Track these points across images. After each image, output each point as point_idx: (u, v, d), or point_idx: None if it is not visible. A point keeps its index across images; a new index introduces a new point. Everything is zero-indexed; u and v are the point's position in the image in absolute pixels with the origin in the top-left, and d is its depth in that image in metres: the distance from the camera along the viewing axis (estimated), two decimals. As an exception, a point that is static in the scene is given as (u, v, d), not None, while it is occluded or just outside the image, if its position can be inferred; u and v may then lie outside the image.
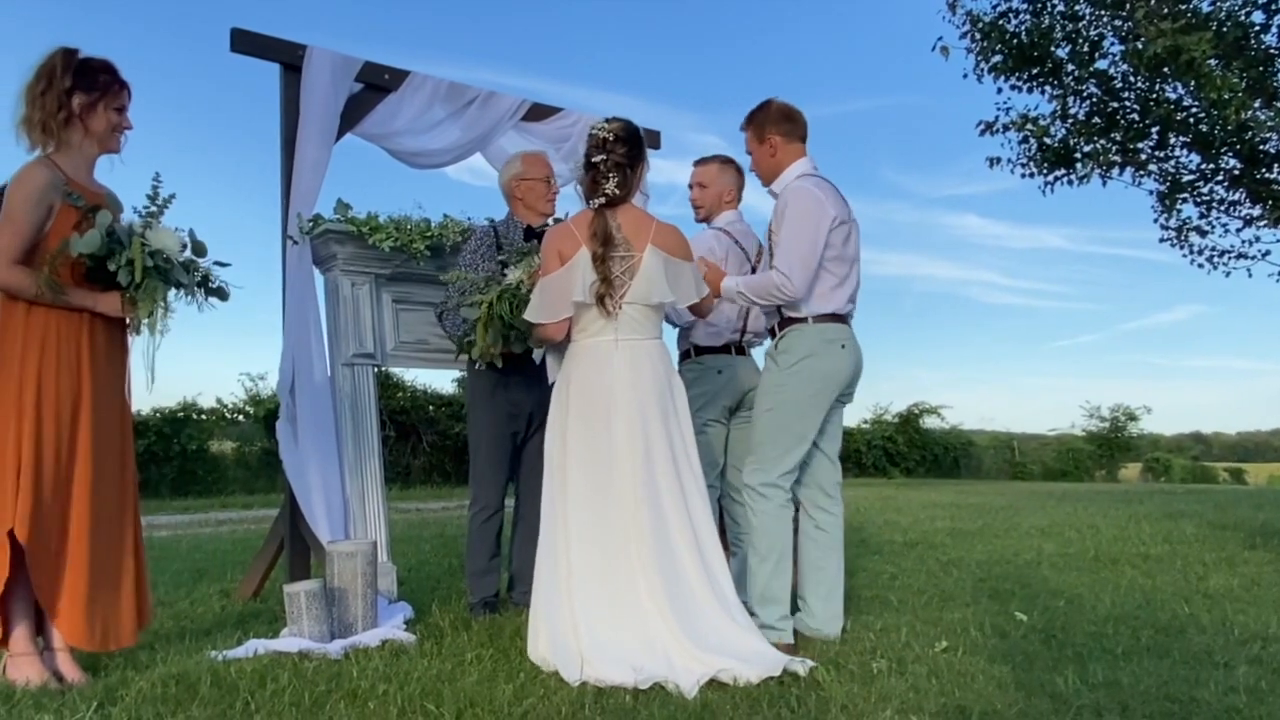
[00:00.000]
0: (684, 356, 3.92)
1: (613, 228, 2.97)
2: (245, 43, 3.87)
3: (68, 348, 2.74)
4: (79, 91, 2.75)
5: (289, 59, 3.96)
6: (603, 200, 3.00)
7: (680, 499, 2.94)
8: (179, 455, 12.61)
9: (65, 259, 2.69)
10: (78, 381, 2.74)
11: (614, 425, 2.94)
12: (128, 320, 2.83)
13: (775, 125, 3.42)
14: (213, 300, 2.90)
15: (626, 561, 2.86)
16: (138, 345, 2.85)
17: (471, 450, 3.80)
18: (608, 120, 3.07)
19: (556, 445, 3.04)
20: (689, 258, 3.11)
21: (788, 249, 3.23)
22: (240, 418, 13.96)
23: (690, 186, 4.00)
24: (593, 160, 3.01)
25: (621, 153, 3.00)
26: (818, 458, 3.42)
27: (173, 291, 2.80)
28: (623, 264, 2.96)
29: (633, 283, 2.96)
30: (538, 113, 4.73)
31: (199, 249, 2.85)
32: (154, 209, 2.83)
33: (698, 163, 4.02)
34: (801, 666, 2.75)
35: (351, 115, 4.14)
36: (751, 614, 3.12)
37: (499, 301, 3.25)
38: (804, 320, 3.30)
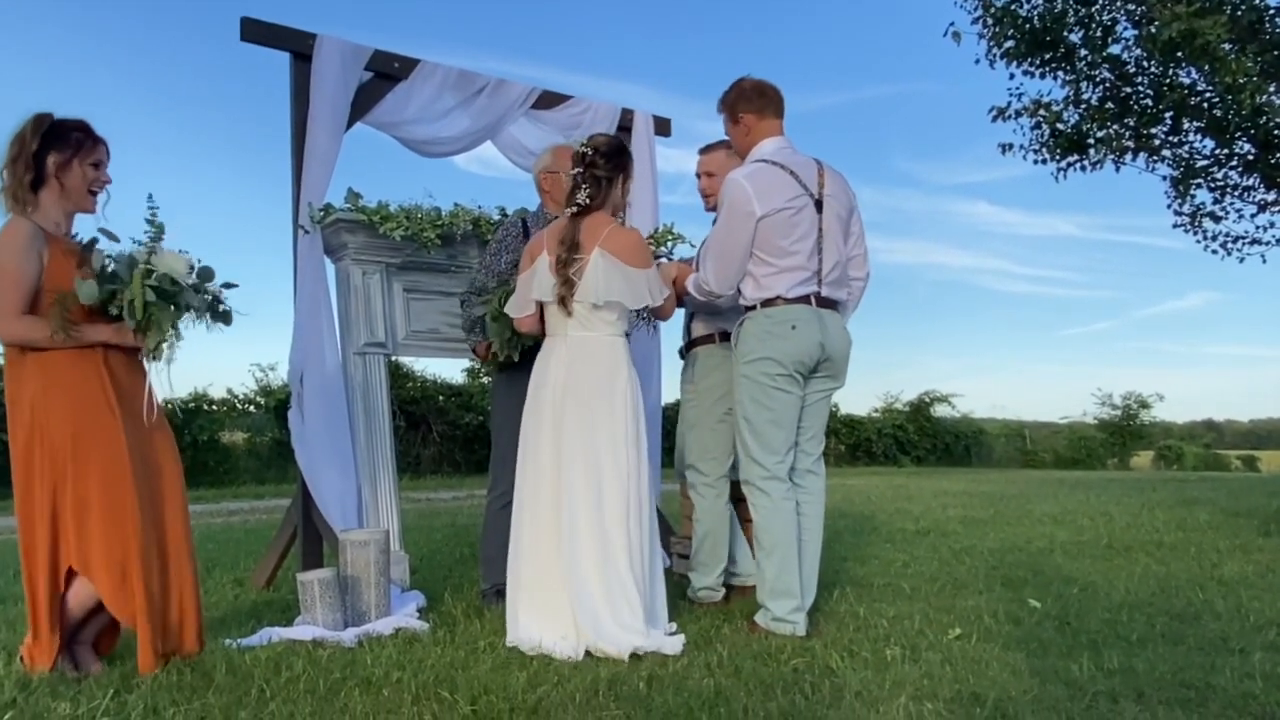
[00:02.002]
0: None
1: (577, 234, 3.16)
2: (255, 32, 3.87)
3: (91, 383, 2.72)
4: (53, 151, 2.72)
5: (299, 48, 3.95)
6: (574, 209, 3.18)
7: (592, 495, 3.04)
8: (190, 446, 12.64)
9: (74, 298, 2.69)
10: (108, 412, 2.72)
11: (543, 417, 3.14)
12: (140, 349, 2.82)
13: (746, 103, 3.41)
14: (219, 324, 2.88)
15: (548, 544, 3.06)
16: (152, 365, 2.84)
17: (494, 436, 3.81)
18: (592, 136, 3.29)
19: (522, 432, 3.24)
20: (642, 263, 3.17)
21: (707, 244, 3.40)
22: (251, 408, 13.99)
23: (698, 175, 3.96)
24: (571, 173, 3.23)
25: (601, 165, 3.19)
26: None
27: (183, 315, 2.78)
28: (577, 266, 3.13)
29: (582, 282, 3.11)
30: (548, 100, 4.72)
31: (205, 274, 2.83)
32: (154, 233, 2.80)
33: (703, 150, 3.97)
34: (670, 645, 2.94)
35: (361, 104, 4.13)
36: (764, 608, 3.22)
37: (503, 300, 3.45)
38: (753, 308, 3.32)
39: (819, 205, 3.28)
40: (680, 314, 4.06)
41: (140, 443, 2.79)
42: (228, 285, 2.90)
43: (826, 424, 3.48)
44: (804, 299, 3.26)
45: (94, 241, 2.80)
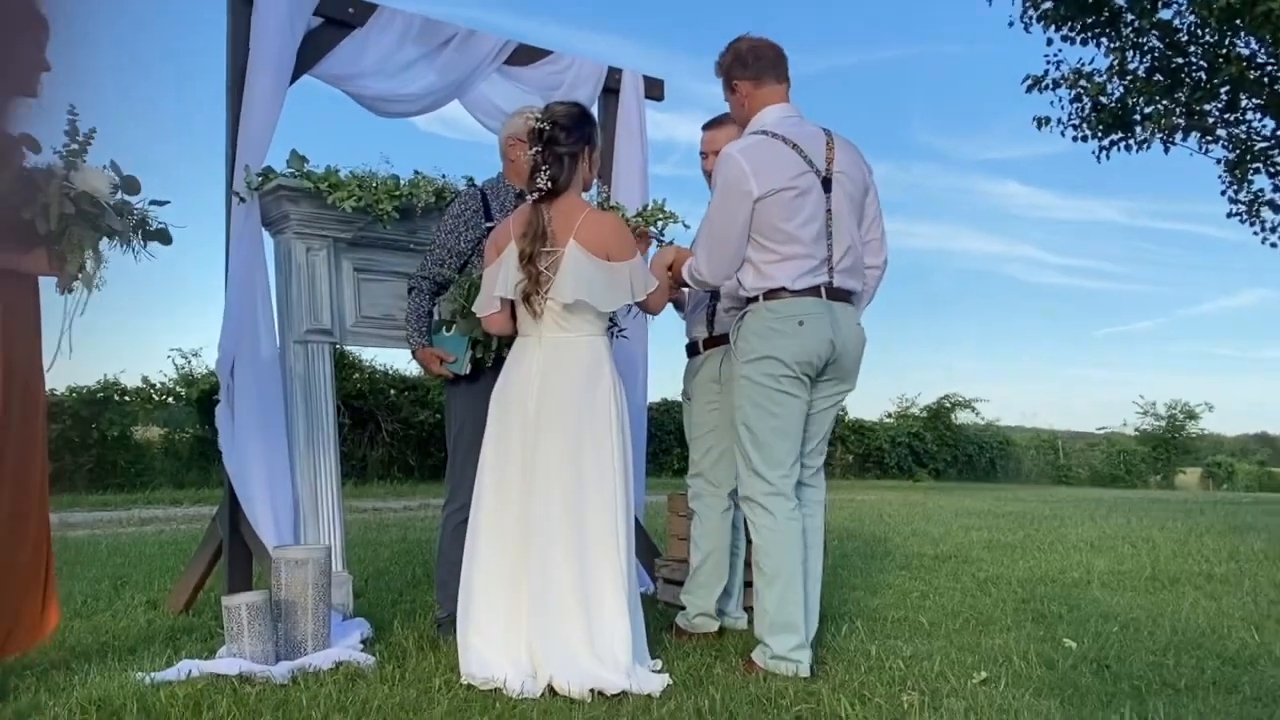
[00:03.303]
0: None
1: (544, 222, 3.15)
2: (185, -34, 3.82)
3: None
4: None
5: (237, -14, 3.90)
6: (536, 195, 3.17)
7: (572, 516, 3.04)
8: (98, 442, 12.54)
9: None
10: None
11: (511, 428, 3.15)
12: (57, 279, 2.78)
13: (741, 68, 3.39)
14: (152, 247, 2.86)
15: (511, 563, 3.08)
16: (55, 311, 2.81)
17: (452, 441, 3.78)
18: (548, 106, 3.26)
19: (485, 443, 3.25)
20: (622, 254, 3.16)
21: (701, 227, 3.38)
22: (170, 400, 13.89)
23: (702, 154, 3.92)
24: (529, 153, 3.20)
25: (563, 141, 3.16)
26: None
27: (105, 241, 2.76)
28: (548, 259, 3.12)
29: (555, 279, 3.11)
30: (524, 55, 4.70)
31: (131, 185, 2.80)
32: (75, 146, 2.77)
33: (708, 126, 3.93)
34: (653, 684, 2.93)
35: (309, 53, 4.08)
36: (763, 644, 3.21)
37: (470, 293, 3.46)
38: (754, 300, 3.31)
39: (827, 184, 3.27)
40: (674, 307, 4.04)
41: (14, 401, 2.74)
42: (157, 203, 2.87)
43: (831, 433, 3.49)
44: (812, 290, 3.25)
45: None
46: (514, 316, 3.27)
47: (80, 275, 2.72)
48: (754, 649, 3.27)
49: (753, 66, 3.37)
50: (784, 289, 3.24)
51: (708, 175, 3.87)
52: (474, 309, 3.34)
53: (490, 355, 3.56)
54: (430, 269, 3.72)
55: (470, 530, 3.18)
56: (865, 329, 3.43)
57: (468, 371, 3.62)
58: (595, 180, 3.51)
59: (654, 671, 3.07)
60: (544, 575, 3.00)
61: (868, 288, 3.50)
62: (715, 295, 3.81)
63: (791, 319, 3.23)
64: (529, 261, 3.12)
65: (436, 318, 3.71)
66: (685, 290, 3.83)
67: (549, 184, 3.15)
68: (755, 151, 3.24)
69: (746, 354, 3.29)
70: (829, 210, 3.27)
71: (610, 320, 3.36)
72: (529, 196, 3.21)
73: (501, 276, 3.19)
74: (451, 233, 3.72)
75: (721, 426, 3.78)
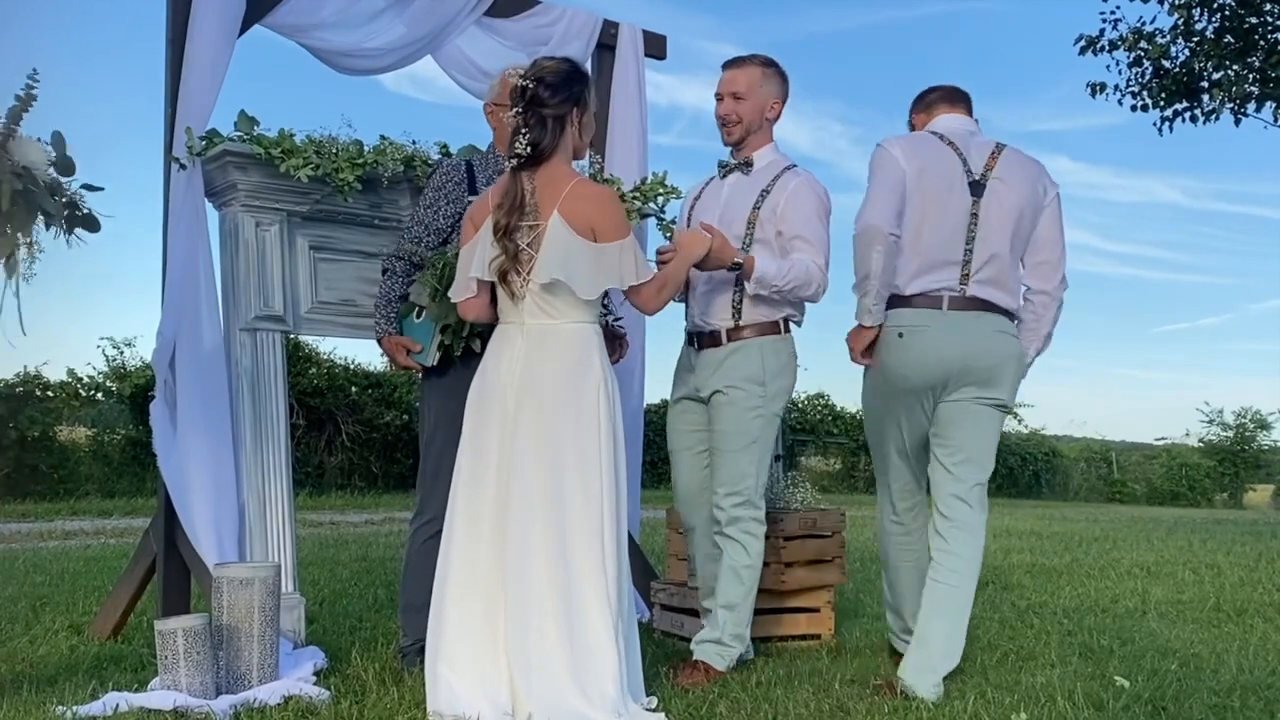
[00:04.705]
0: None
1: (526, 193, 3.15)
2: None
3: None
4: None
5: (177, -78, 3.90)
6: (515, 161, 3.16)
7: (553, 529, 3.04)
8: (16, 444, 12.53)
9: None
10: None
11: (488, 426, 3.16)
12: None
13: (915, 107, 3.87)
14: (79, 233, 2.86)
15: (487, 584, 3.08)
16: None
17: (423, 446, 3.78)
18: (535, 62, 3.27)
19: (461, 444, 3.27)
20: (611, 233, 3.16)
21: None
22: (99, 396, 13.89)
23: (718, 97, 3.83)
24: (511, 114, 3.21)
25: (549, 101, 3.16)
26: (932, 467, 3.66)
27: (40, 224, 2.76)
28: (530, 234, 3.12)
29: (538, 257, 3.11)
30: (507, 5, 4.70)
31: (65, 166, 2.80)
32: (16, 109, 2.76)
33: (729, 64, 3.88)
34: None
35: (262, 1, 4.07)
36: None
37: (443, 273, 3.46)
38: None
39: (976, 188, 3.50)
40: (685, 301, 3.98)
41: None
42: (89, 187, 2.88)
43: (988, 446, 3.62)
44: (930, 299, 3.48)
45: None
46: (495, 301, 3.27)
47: (7, 262, 2.72)
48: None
49: (923, 100, 3.82)
50: (895, 294, 3.49)
51: (720, 122, 3.88)
52: (449, 294, 3.32)
53: (460, 344, 3.55)
54: (406, 248, 3.72)
55: (443, 545, 3.17)
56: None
57: (434, 363, 3.61)
58: (588, 149, 3.51)
59: (648, 710, 3.07)
60: (523, 597, 3.00)
61: (1039, 316, 3.68)
62: (739, 281, 3.77)
63: (891, 330, 3.48)
64: (506, 235, 3.11)
65: (409, 300, 3.70)
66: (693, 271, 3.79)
67: (529, 149, 3.13)
68: (909, 142, 3.60)
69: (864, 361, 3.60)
70: (974, 215, 3.48)
71: (604, 306, 3.35)
72: (508, 163, 3.20)
73: (478, 255, 3.18)
74: (430, 207, 3.72)
75: (764, 438, 3.78)
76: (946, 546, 3.54)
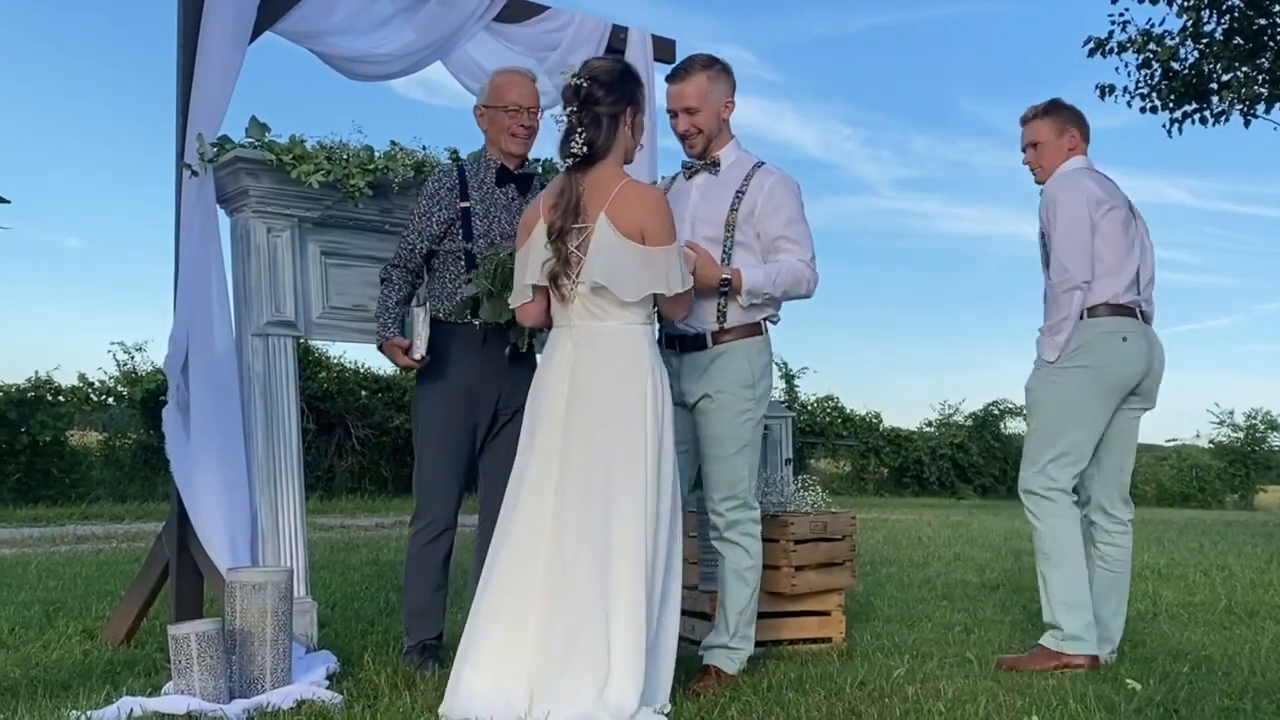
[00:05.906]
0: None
1: (578, 194, 3.14)
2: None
3: None
4: None
5: (189, -70, 3.91)
6: (570, 161, 3.16)
7: (598, 521, 3.03)
8: (27, 449, 12.54)
9: None
10: None
11: (541, 429, 3.16)
12: None
13: (1079, 126, 4.18)
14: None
15: (523, 587, 3.06)
16: None
17: (417, 448, 3.79)
18: (586, 62, 3.27)
19: (519, 450, 3.26)
20: (660, 238, 3.14)
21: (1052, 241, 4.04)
22: (111, 400, 13.92)
23: (671, 114, 3.76)
24: (566, 112, 3.20)
25: (602, 100, 3.15)
26: (1102, 466, 4.13)
27: None
28: (579, 236, 3.12)
29: (585, 258, 3.10)
30: (516, 11, 4.70)
31: None
32: None
33: (674, 77, 3.77)
34: None
35: (272, 7, 4.08)
36: (1053, 628, 3.92)
37: (495, 274, 3.49)
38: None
39: (1133, 210, 4.12)
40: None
41: None
42: None
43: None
44: (1129, 310, 4.00)
45: None
46: (550, 307, 3.26)
47: None
48: (1043, 636, 3.98)
49: (1085, 129, 4.18)
50: (1104, 304, 3.96)
51: (681, 138, 3.78)
52: (509, 301, 3.33)
53: (525, 340, 3.60)
54: (401, 256, 3.73)
55: (493, 548, 3.17)
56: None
57: (423, 354, 3.60)
58: (639, 149, 3.45)
59: (659, 712, 3.06)
60: (561, 600, 2.99)
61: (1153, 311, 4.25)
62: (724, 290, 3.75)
63: (1115, 334, 3.95)
64: (558, 238, 3.11)
65: (459, 298, 3.68)
66: None
67: (584, 149, 3.12)
68: (1087, 175, 4.05)
69: (1070, 360, 3.96)
70: (1139, 236, 4.10)
71: (655, 306, 3.31)
72: (561, 164, 3.21)
73: (531, 260, 3.18)
74: (424, 214, 3.73)
75: (756, 441, 3.75)
76: (1109, 545, 4.20)
